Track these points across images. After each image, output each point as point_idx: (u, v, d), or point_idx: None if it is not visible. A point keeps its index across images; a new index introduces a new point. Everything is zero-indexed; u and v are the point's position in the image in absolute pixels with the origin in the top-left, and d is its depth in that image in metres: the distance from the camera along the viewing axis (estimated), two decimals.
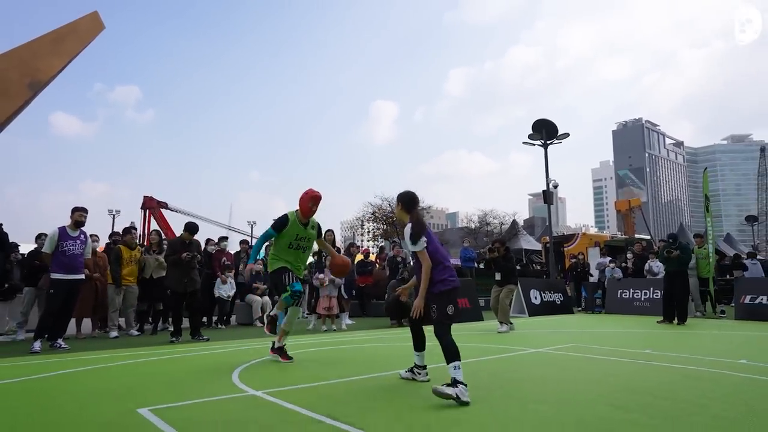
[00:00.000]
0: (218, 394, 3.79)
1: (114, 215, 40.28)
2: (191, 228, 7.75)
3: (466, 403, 3.29)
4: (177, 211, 34.07)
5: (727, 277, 14.71)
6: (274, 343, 5.28)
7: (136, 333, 8.63)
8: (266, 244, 6.24)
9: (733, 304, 11.92)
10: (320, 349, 6.25)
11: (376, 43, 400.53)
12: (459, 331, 8.34)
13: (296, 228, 4.95)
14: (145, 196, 31.71)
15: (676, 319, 9.68)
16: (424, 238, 3.74)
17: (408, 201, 4.01)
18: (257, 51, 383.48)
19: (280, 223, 4.92)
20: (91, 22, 11.58)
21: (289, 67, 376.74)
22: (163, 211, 32.65)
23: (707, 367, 4.84)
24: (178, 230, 29.59)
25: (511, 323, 8.73)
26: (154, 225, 31.18)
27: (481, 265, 14.80)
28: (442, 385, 3.40)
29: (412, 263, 4.16)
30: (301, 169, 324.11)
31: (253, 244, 4.97)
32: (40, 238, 8.77)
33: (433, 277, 3.72)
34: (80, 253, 6.82)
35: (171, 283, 7.50)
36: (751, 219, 51.79)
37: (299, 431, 2.85)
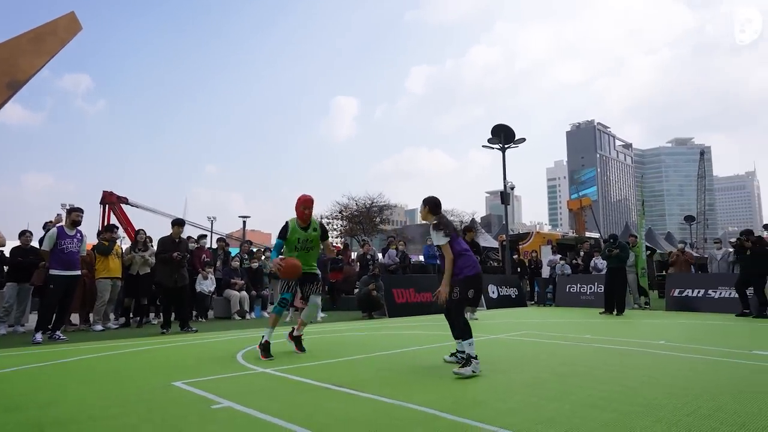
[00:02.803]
0: (232, 371, 4.51)
1: (67, 209, 39.19)
2: (181, 222, 8.40)
3: (479, 372, 4.11)
4: (137, 207, 33.62)
5: (664, 273, 16.36)
6: (293, 329, 5.75)
7: (115, 326, 9.03)
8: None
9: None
10: (306, 338, 6.98)
11: (337, 39, 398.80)
12: (426, 322, 9.27)
13: (297, 233, 5.48)
14: (104, 191, 31.04)
15: (615, 310, 10.91)
16: (446, 235, 4.38)
17: (433, 205, 4.67)
18: (215, 44, 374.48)
19: (284, 231, 5.41)
20: (69, 22, 11.82)
21: (247, 60, 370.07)
22: (123, 206, 32.14)
23: (633, 347, 5.91)
24: (137, 226, 29.21)
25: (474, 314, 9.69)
26: (113, 220, 30.74)
27: None
28: (459, 368, 4.12)
29: (438, 260, 4.75)
30: (260, 163, 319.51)
31: (270, 255, 5.44)
32: (23, 235, 9.05)
33: (458, 264, 4.36)
34: (77, 251, 7.28)
35: (161, 279, 8.03)
36: (689, 219, 55.79)
37: (314, 395, 3.61)
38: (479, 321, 9.60)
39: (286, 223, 5.50)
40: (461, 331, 4.30)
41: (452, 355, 4.82)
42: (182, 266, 8.12)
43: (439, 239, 4.42)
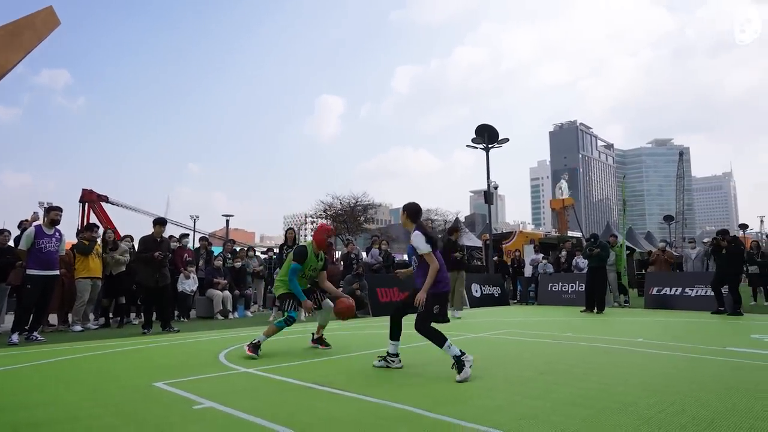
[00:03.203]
0: (215, 371, 4.49)
1: (46, 208, 38.41)
2: (163, 221, 8.30)
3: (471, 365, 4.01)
4: (118, 205, 33.17)
5: (643, 271, 16.67)
6: (313, 334, 5.96)
7: (95, 327, 8.91)
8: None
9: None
10: (289, 337, 6.97)
11: (322, 38, 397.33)
12: (409, 321, 9.26)
13: (312, 260, 5.41)
14: (84, 189, 30.56)
15: (596, 308, 11.09)
16: (427, 242, 4.28)
17: (413, 212, 4.57)
18: (200, 42, 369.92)
19: (303, 256, 5.31)
20: (48, 16, 11.57)
21: (231, 58, 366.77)
22: (104, 204, 31.65)
23: (612, 344, 6.02)
24: (118, 225, 28.85)
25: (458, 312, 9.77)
26: (93, 219, 30.23)
27: None
28: (458, 375, 3.92)
29: (414, 265, 4.50)
30: (244, 162, 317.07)
31: (290, 285, 5.35)
32: (2, 234, 8.89)
33: (436, 277, 4.24)
34: (55, 250, 7.16)
35: (143, 279, 7.93)
36: (668, 218, 56.80)
37: (297, 395, 3.62)
38: (462, 320, 9.68)
39: (305, 247, 5.41)
40: (434, 339, 4.16)
41: (381, 359, 4.63)
42: (164, 266, 8.03)
43: (424, 247, 4.28)
